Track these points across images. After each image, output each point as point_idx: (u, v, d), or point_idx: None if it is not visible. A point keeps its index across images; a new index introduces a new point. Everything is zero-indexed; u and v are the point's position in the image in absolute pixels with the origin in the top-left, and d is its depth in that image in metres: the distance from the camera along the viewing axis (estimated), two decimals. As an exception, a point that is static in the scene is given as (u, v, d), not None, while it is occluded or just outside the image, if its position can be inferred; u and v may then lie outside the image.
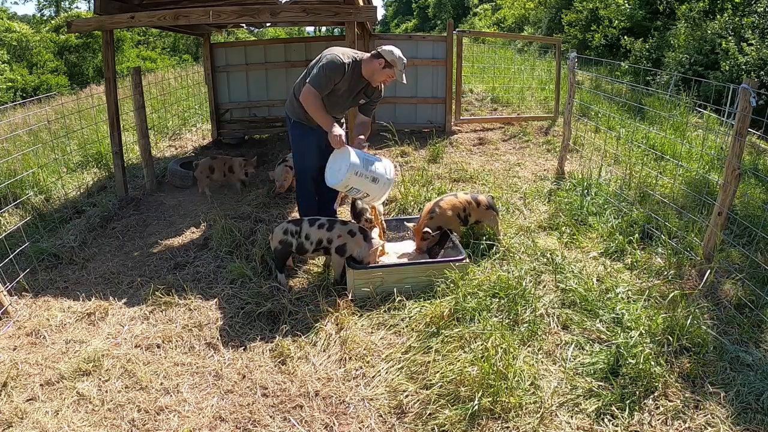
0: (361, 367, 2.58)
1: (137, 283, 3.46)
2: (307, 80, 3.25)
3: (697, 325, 2.62)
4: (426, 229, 3.39)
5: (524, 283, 3.00)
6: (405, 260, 3.46)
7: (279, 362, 2.64)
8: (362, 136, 3.45)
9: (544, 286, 3.18)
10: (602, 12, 13.70)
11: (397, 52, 3.27)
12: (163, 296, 3.21)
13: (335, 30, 15.30)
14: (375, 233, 3.31)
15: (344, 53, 3.31)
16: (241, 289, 3.30)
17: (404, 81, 3.41)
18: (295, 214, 4.47)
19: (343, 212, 4.29)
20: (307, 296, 3.12)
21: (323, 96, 3.26)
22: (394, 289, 3.07)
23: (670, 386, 2.33)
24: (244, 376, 2.56)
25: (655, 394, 2.30)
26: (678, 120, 6.89)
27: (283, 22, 5.85)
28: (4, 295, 3.11)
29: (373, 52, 3.35)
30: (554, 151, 6.23)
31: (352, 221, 3.36)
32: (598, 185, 4.56)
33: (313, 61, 3.36)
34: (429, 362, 2.50)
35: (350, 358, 2.64)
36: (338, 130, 3.17)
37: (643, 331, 2.58)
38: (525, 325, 2.76)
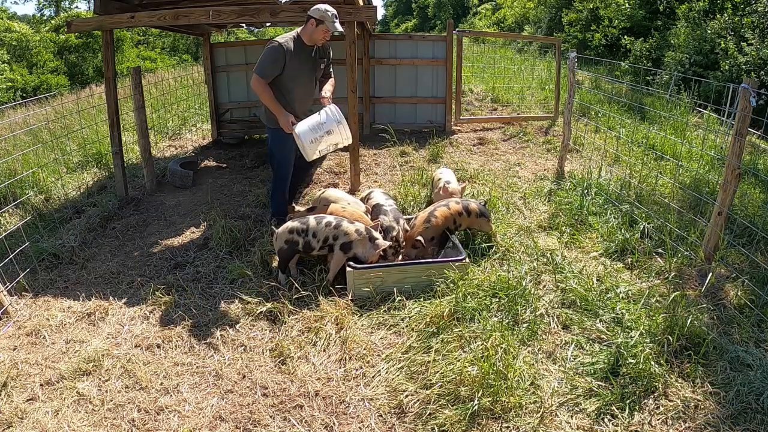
0: (361, 367, 2.58)
1: (137, 283, 3.46)
2: (253, 70, 3.55)
3: (697, 325, 2.62)
4: (419, 238, 3.39)
5: (524, 283, 3.00)
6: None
7: (279, 362, 2.64)
8: (327, 94, 3.72)
9: (544, 286, 3.18)
10: (602, 12, 13.70)
11: (323, 6, 3.50)
12: (163, 296, 3.21)
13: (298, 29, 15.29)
14: (379, 235, 3.30)
15: (281, 37, 3.58)
16: (241, 289, 3.30)
17: (340, 29, 3.65)
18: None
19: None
20: (307, 296, 3.12)
21: (290, 81, 3.58)
22: (394, 289, 3.07)
23: (670, 386, 2.33)
24: (244, 376, 2.56)
25: (655, 394, 2.30)
26: (678, 120, 6.89)
27: (283, 22, 5.84)
28: (4, 295, 3.11)
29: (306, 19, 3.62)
30: (554, 151, 6.23)
31: (358, 222, 3.34)
32: (598, 185, 4.56)
33: None
34: (429, 362, 2.50)
35: (350, 358, 2.64)
36: (287, 115, 3.53)
37: (643, 331, 2.58)
38: (525, 325, 2.76)
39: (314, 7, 3.52)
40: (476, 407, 2.20)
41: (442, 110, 7.24)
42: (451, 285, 3.02)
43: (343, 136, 3.55)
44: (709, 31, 9.69)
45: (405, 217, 3.91)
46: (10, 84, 19.73)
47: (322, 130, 3.48)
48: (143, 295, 3.28)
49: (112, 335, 2.92)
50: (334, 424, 2.26)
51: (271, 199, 4.14)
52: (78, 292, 3.35)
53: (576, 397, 2.30)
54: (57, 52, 22.95)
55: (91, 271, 3.64)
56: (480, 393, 2.25)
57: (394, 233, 3.37)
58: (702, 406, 2.25)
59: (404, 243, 3.47)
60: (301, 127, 3.47)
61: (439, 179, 4.29)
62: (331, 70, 3.96)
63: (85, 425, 2.28)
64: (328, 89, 3.78)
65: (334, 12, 3.53)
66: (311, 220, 3.26)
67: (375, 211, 3.62)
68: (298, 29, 3.68)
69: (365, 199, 3.89)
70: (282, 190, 4.03)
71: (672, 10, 11.82)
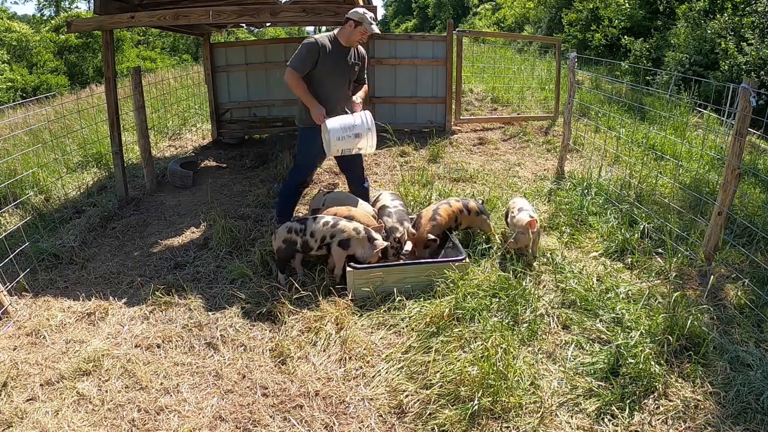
0: (361, 367, 2.58)
1: (137, 283, 3.46)
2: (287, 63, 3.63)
3: (697, 325, 2.62)
4: (431, 236, 3.39)
5: (524, 283, 3.00)
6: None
7: (279, 362, 2.64)
8: (359, 100, 3.79)
9: (544, 286, 3.18)
10: (602, 12, 13.70)
11: (361, 9, 3.60)
12: (163, 296, 3.21)
13: (335, 30, 15.30)
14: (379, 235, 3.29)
15: (319, 35, 3.67)
16: (241, 289, 3.30)
17: (377, 31, 3.68)
18: (293, 214, 4.48)
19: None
20: (307, 296, 3.12)
21: (321, 80, 3.61)
22: (394, 289, 3.07)
23: (670, 386, 2.33)
24: (244, 376, 2.56)
25: (655, 394, 2.30)
26: (678, 120, 6.89)
27: (283, 22, 5.85)
28: (4, 295, 3.11)
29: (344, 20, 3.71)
30: (554, 151, 6.23)
31: (357, 222, 3.33)
32: (598, 185, 4.56)
33: None
34: (429, 362, 2.50)
35: (350, 358, 2.64)
36: (320, 108, 3.55)
37: (643, 331, 2.58)
38: (525, 325, 2.76)
39: (353, 9, 3.61)
40: (476, 407, 2.20)
41: (442, 110, 7.24)
42: (451, 285, 3.02)
43: (369, 143, 3.58)
44: (709, 31, 9.69)
45: (411, 216, 3.86)
46: (10, 84, 19.72)
47: (352, 132, 3.51)
48: (143, 295, 3.28)
49: (112, 335, 2.92)
50: (334, 424, 2.26)
51: (279, 196, 4.12)
52: (78, 292, 3.35)
53: (576, 397, 2.30)
54: (57, 52, 22.94)
55: (91, 271, 3.64)
56: (480, 393, 2.25)
57: (398, 235, 3.36)
58: (702, 406, 2.25)
59: (413, 245, 3.46)
60: (333, 123, 3.51)
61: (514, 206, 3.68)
62: (366, 76, 3.98)
63: (85, 425, 2.28)
64: (360, 95, 3.83)
65: (373, 15, 3.64)
66: (309, 219, 3.26)
67: (380, 212, 3.62)
68: (335, 30, 3.73)
69: (374, 202, 3.87)
70: (290, 191, 4.01)
71: (672, 10, 11.82)
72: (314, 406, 2.36)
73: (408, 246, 3.48)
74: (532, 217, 3.36)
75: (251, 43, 8.41)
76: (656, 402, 2.26)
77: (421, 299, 3.01)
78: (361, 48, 3.85)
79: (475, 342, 2.55)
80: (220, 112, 7.32)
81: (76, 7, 31.15)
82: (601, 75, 10.55)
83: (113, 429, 2.26)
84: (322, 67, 3.60)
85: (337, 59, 3.65)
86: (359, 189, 4.04)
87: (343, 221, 3.24)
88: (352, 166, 4.02)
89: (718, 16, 9.80)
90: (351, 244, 3.18)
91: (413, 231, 3.47)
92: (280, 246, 3.25)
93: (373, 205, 3.78)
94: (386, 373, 2.53)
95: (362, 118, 3.56)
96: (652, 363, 2.37)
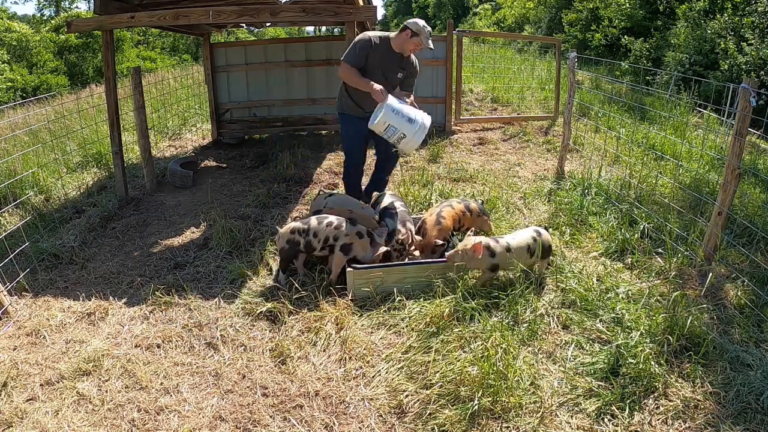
0: (361, 367, 2.58)
1: (137, 283, 3.46)
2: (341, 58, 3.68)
3: (697, 325, 2.62)
4: (439, 242, 3.39)
5: (524, 283, 3.00)
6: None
7: (279, 362, 2.64)
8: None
9: (545, 287, 3.18)
10: (602, 12, 13.71)
11: (421, 22, 3.63)
12: (163, 296, 3.21)
13: (335, 30, 15.31)
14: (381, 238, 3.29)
15: (372, 33, 3.72)
16: (241, 289, 3.31)
17: (431, 47, 3.68)
18: (294, 214, 4.49)
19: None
20: (307, 296, 3.12)
21: (370, 75, 3.62)
22: (394, 289, 3.07)
23: (670, 386, 2.33)
24: (244, 376, 2.56)
25: (655, 394, 2.30)
26: (678, 120, 6.89)
27: (283, 22, 5.85)
28: (4, 295, 3.11)
29: (400, 27, 3.73)
30: (554, 151, 6.23)
31: (361, 225, 3.32)
32: (598, 185, 4.56)
33: None
34: (429, 362, 2.50)
35: (350, 358, 2.64)
36: (379, 86, 3.49)
37: (643, 331, 2.58)
38: (525, 325, 2.76)
39: (412, 20, 3.65)
40: (476, 407, 2.20)
41: (442, 110, 7.24)
42: (451, 285, 3.02)
43: (417, 134, 3.50)
44: (709, 31, 9.69)
45: (413, 217, 3.81)
46: (10, 84, 19.71)
47: (406, 116, 3.50)
48: (143, 295, 3.28)
49: (112, 335, 2.92)
50: (334, 424, 2.26)
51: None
52: (78, 292, 3.35)
53: (576, 397, 2.30)
54: (57, 52, 22.93)
55: (91, 271, 3.64)
56: (480, 393, 2.25)
57: (400, 237, 3.34)
58: (702, 406, 2.25)
59: (421, 251, 3.46)
60: (392, 98, 3.51)
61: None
62: (414, 87, 3.94)
63: (85, 425, 2.28)
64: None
65: (430, 30, 3.67)
66: (313, 220, 3.27)
67: (382, 214, 3.61)
68: (391, 33, 3.74)
69: (374, 204, 3.86)
70: (348, 181, 4.07)
71: (672, 10, 11.82)
72: (314, 406, 2.36)
73: (416, 253, 3.47)
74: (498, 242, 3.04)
75: (251, 43, 8.40)
76: (656, 402, 2.27)
77: (421, 299, 3.01)
78: (414, 58, 3.83)
79: (475, 342, 2.55)
80: (220, 112, 7.32)
81: (76, 7, 31.14)
82: (601, 75, 10.56)
83: (113, 429, 2.26)
84: (368, 65, 3.66)
85: (384, 60, 3.68)
86: (380, 176, 4.16)
87: (347, 223, 3.24)
88: (388, 157, 4.06)
89: (718, 16, 9.80)
90: (353, 248, 3.18)
91: (419, 237, 3.46)
92: (284, 246, 3.25)
93: (373, 207, 3.77)
94: (386, 373, 2.53)
95: (422, 114, 3.58)
96: (652, 363, 2.38)
